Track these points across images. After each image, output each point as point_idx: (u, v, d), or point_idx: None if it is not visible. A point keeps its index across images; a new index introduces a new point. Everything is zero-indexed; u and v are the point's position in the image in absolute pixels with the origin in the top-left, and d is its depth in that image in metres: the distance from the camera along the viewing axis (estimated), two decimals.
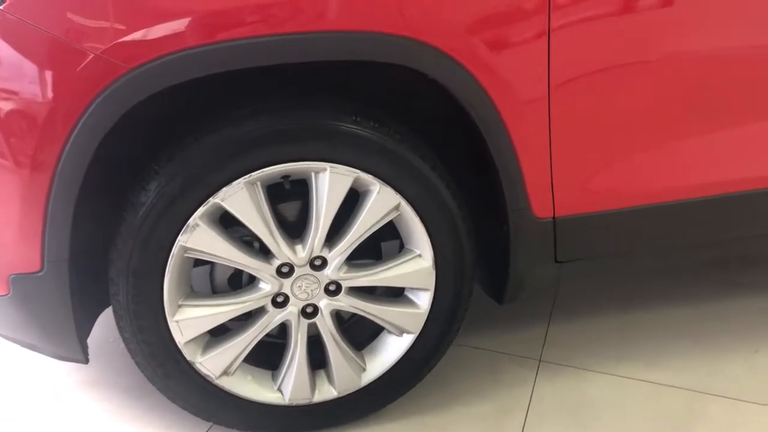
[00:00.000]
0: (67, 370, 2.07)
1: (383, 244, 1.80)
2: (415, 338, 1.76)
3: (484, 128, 1.56)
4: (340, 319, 1.78)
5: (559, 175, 1.67)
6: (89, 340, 1.71)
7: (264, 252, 1.61)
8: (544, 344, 2.17)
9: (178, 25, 1.35)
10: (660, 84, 1.64)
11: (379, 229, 1.65)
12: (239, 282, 1.71)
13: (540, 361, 2.10)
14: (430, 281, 1.70)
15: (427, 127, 1.73)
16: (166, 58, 1.36)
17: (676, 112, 1.68)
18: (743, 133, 1.71)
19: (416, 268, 1.69)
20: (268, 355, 1.77)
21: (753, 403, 1.91)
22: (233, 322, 1.67)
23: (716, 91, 1.68)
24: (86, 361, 1.66)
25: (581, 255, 1.83)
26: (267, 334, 1.71)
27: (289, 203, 1.68)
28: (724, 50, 1.64)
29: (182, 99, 1.52)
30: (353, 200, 1.62)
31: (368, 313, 1.71)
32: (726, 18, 1.63)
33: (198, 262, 1.64)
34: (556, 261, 1.80)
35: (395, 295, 1.78)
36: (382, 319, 1.73)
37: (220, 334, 1.70)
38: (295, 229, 1.63)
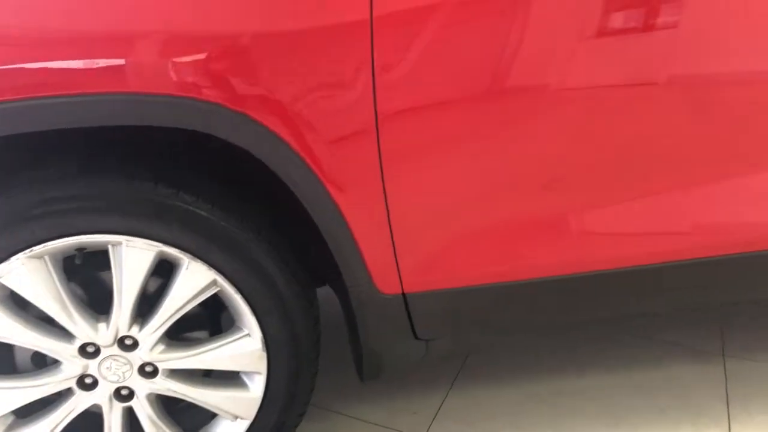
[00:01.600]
0: None
1: (225, 315, 1.62)
2: (249, 424, 1.57)
3: (298, 192, 1.35)
4: (175, 398, 1.59)
5: (403, 247, 1.46)
6: None
7: (65, 330, 1.44)
8: (434, 417, 1.96)
9: None
10: (524, 132, 1.39)
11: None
12: (44, 360, 1.54)
13: None
14: (261, 364, 1.52)
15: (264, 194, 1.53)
16: None
17: (544, 174, 1.45)
18: (613, 208, 1.48)
19: (244, 350, 1.50)
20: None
21: None
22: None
23: (594, 156, 1.45)
24: None
25: (446, 332, 1.62)
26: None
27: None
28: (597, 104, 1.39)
29: None
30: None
31: (190, 397, 1.53)
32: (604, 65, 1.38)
33: None
34: (417, 338, 1.60)
35: (233, 375, 1.59)
36: (208, 404, 1.55)
37: (30, 413, 1.54)
38: None
